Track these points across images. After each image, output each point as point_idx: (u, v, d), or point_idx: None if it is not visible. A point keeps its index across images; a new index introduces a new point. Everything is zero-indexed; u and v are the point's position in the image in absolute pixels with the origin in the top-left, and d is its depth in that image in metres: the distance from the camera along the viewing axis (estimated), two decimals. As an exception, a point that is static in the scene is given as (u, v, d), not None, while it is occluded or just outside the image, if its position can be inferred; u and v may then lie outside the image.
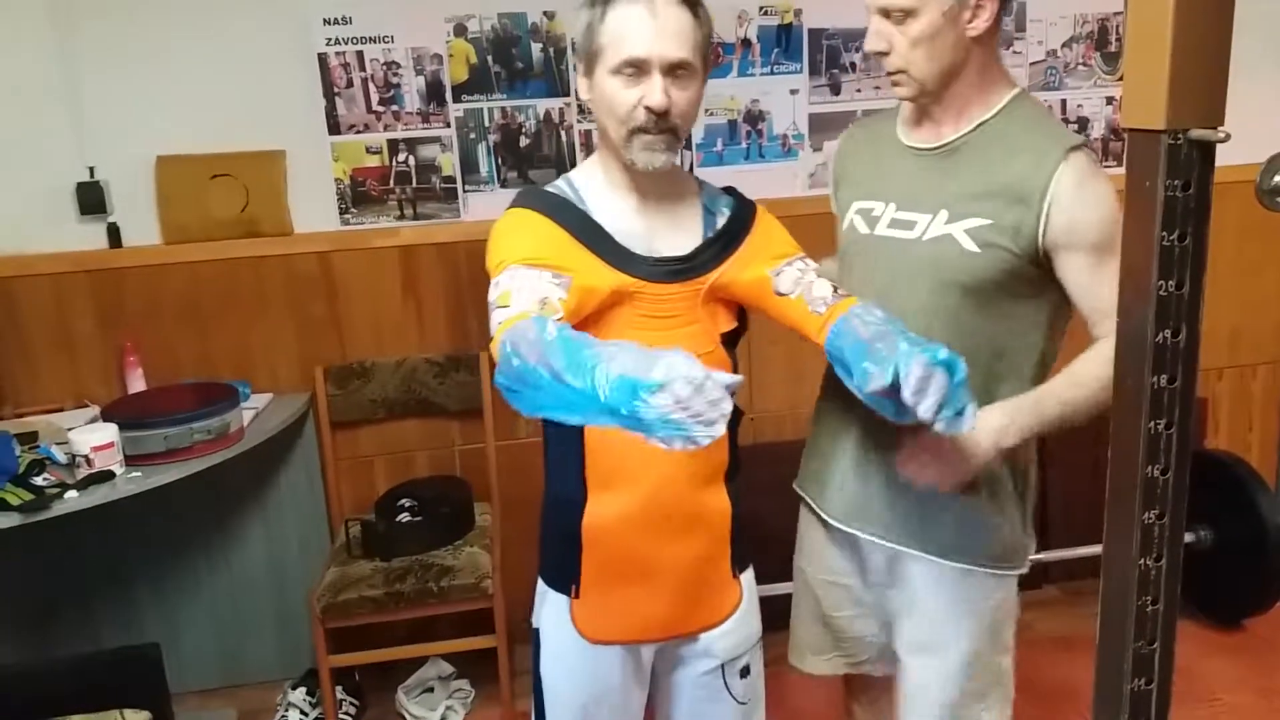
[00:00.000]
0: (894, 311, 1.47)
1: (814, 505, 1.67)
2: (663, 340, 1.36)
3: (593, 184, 1.44)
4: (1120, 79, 2.85)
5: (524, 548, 2.89)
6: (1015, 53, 2.86)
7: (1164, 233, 0.84)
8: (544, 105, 2.69)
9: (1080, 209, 1.36)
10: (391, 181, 2.69)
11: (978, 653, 1.57)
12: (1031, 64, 2.88)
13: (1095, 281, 1.39)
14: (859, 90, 2.79)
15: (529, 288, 1.27)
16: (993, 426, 1.40)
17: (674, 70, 1.33)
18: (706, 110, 2.76)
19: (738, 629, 1.54)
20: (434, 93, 2.66)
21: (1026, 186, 1.38)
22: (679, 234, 1.44)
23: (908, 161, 1.52)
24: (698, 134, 2.76)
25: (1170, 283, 0.86)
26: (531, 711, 1.56)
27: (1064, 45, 2.89)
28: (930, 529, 1.52)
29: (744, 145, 2.80)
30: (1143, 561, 0.89)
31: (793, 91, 2.78)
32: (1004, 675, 1.62)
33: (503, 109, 2.69)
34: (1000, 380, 1.48)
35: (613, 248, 1.38)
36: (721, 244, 1.45)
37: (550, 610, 1.50)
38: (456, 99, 2.67)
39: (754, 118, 2.79)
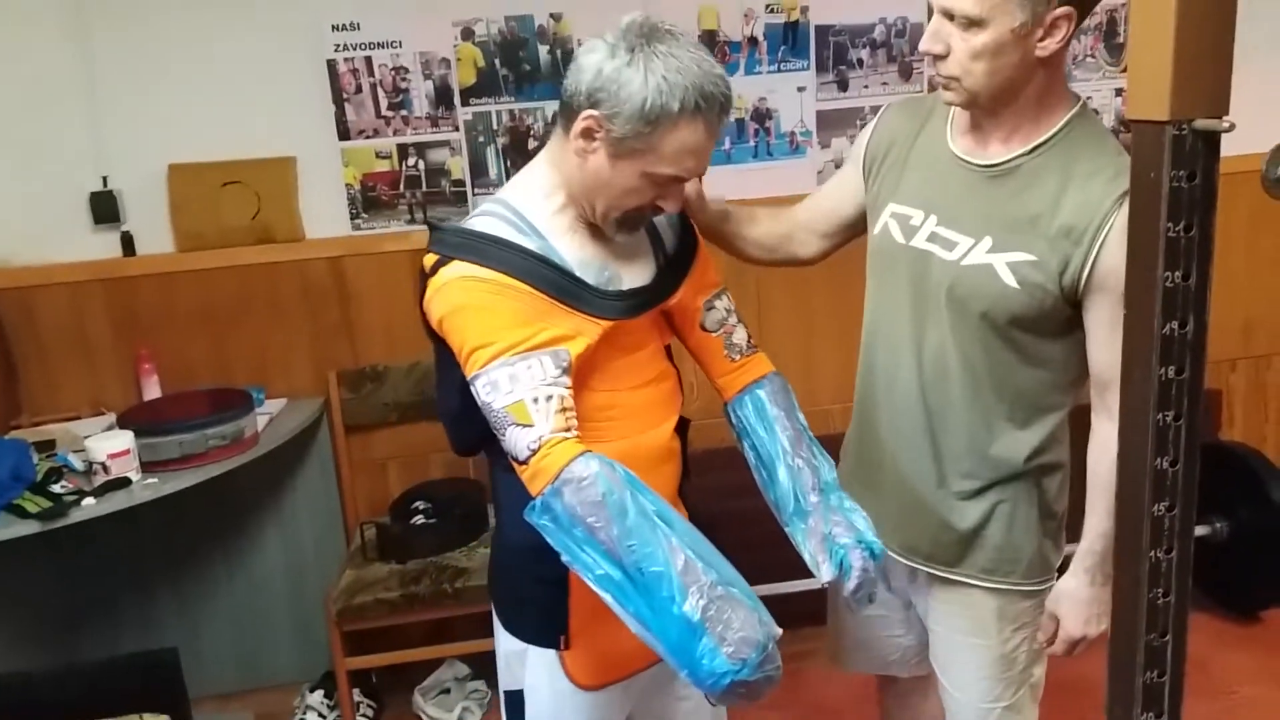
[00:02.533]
0: (917, 333, 1.47)
1: None
2: (627, 366, 1.36)
3: (542, 209, 1.31)
4: (1124, 70, 2.83)
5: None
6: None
7: (1170, 224, 0.84)
8: (552, 107, 2.70)
9: (1124, 254, 1.31)
10: (402, 186, 2.70)
11: (1011, 668, 1.55)
12: (1040, 57, 2.87)
13: (1115, 335, 1.31)
14: (866, 86, 2.78)
15: (539, 392, 1.19)
16: (1082, 599, 1.43)
17: None
18: (714, 109, 2.76)
19: None
20: (442, 97, 2.67)
21: (1080, 225, 1.32)
22: (634, 256, 1.38)
23: (955, 173, 1.44)
24: (705, 133, 2.76)
25: (1177, 274, 0.85)
26: None
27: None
28: (960, 552, 1.51)
29: (752, 144, 2.80)
30: (1153, 554, 0.88)
31: (800, 89, 2.78)
32: (1038, 686, 1.61)
33: (511, 111, 2.69)
34: (1011, 422, 1.44)
35: (589, 294, 1.29)
36: (679, 268, 1.42)
37: (537, 668, 1.41)
38: (465, 102, 2.68)
39: (761, 116, 2.79)
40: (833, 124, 2.81)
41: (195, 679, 2.34)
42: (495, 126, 2.70)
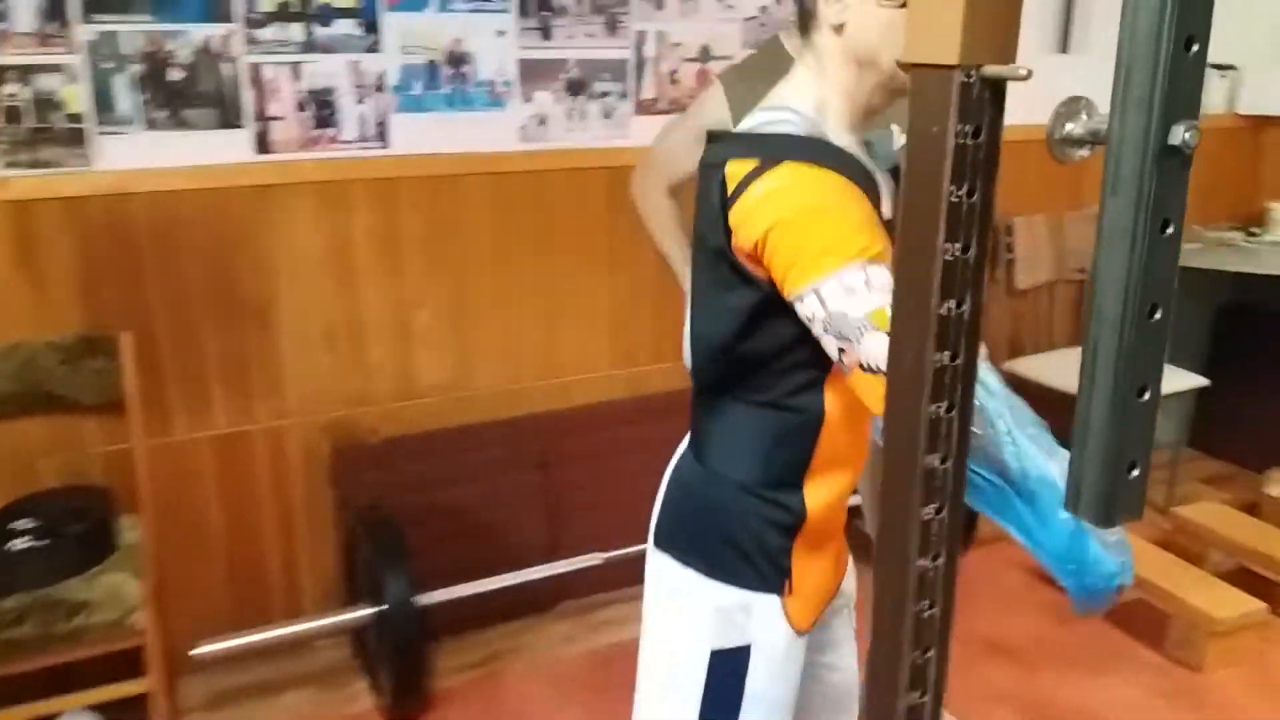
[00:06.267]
0: None
1: None
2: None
3: (829, 120, 1.24)
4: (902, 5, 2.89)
5: (187, 564, 2.48)
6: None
7: (953, 187, 0.75)
8: (202, 32, 2.27)
9: None
10: (-1, 119, 2.17)
11: None
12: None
13: None
14: (571, 37, 2.61)
15: (891, 299, 1.08)
16: None
17: None
18: (402, 49, 2.46)
19: (851, 566, 1.52)
20: (56, 10, 2.16)
21: None
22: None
23: None
24: (392, 76, 2.46)
25: (956, 245, 0.78)
26: None
27: None
28: None
29: (446, 90, 2.53)
30: (921, 562, 0.81)
31: (500, 33, 2.55)
32: None
33: (148, 34, 2.24)
34: None
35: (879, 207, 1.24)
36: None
37: (763, 617, 1.33)
38: (86, 19, 2.19)
39: (457, 59, 2.53)
40: (537, 75, 2.60)
41: None
42: (128, 51, 2.23)
